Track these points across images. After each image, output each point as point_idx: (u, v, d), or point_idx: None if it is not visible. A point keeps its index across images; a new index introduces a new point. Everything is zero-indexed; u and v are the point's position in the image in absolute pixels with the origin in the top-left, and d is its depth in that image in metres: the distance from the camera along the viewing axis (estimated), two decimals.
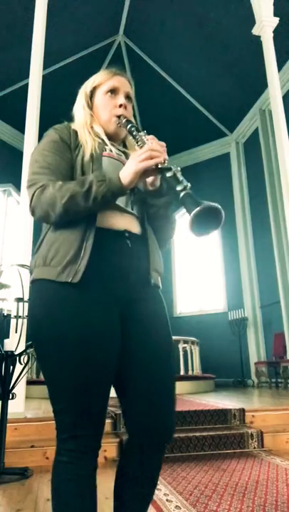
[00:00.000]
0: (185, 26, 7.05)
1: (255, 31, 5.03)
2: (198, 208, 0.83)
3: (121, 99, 1.15)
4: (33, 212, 1.00)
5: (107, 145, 1.12)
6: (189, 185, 0.91)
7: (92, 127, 1.13)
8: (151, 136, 1.02)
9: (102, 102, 1.16)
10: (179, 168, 0.95)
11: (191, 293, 9.07)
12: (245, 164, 8.76)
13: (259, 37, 4.98)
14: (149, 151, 0.95)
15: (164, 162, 0.95)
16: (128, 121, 1.11)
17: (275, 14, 4.92)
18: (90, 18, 7.08)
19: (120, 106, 1.14)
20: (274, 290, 7.04)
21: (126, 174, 0.95)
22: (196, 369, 6.24)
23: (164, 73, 8.18)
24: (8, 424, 2.53)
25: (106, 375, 0.95)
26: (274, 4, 4.97)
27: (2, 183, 8.08)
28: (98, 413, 0.95)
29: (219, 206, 0.85)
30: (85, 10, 6.82)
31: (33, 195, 0.98)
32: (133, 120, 1.16)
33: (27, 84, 4.17)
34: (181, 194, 0.89)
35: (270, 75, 4.75)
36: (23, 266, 3.09)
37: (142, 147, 1.00)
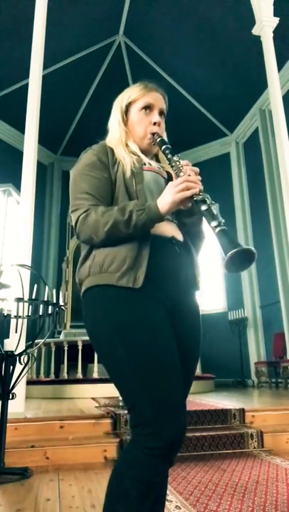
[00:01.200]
0: (185, 26, 7.04)
1: (255, 31, 5.03)
2: (233, 251, 0.88)
3: (156, 117, 1.19)
4: (78, 236, 1.07)
5: (144, 160, 1.17)
6: (223, 221, 0.95)
7: (127, 145, 1.18)
8: (185, 162, 1.07)
9: (137, 118, 1.20)
10: (213, 202, 0.99)
11: None
12: (245, 164, 8.76)
13: (259, 37, 4.98)
14: (185, 182, 1.00)
15: (199, 193, 1.00)
16: (162, 142, 1.15)
17: (275, 14, 4.92)
18: (90, 18, 7.08)
19: (154, 124, 1.18)
20: (274, 290, 7.04)
21: (164, 203, 1.00)
22: (196, 369, 6.23)
23: (164, 73, 8.17)
24: (8, 424, 2.54)
25: (176, 359, 0.97)
26: (274, 4, 4.97)
27: (2, 183, 8.08)
28: (180, 405, 0.94)
29: (253, 249, 0.90)
30: (85, 10, 6.82)
31: (78, 220, 1.05)
32: (165, 136, 1.21)
33: (27, 84, 4.16)
34: (216, 230, 0.94)
35: (270, 75, 4.75)
36: (23, 266, 3.09)
37: (176, 172, 1.06)
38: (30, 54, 4.22)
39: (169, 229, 1.10)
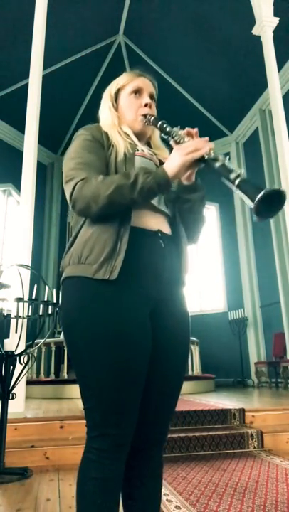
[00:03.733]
0: (185, 26, 7.05)
1: (255, 31, 5.03)
2: (261, 194, 0.81)
3: (146, 98, 1.17)
4: (73, 206, 0.99)
5: (137, 145, 1.13)
6: (242, 171, 0.89)
7: (120, 128, 1.15)
8: (187, 130, 1.02)
9: (127, 102, 1.17)
10: (227, 157, 0.93)
11: (191, 293, 9.07)
12: (245, 164, 8.76)
13: (259, 37, 4.98)
14: (194, 142, 0.95)
15: (210, 153, 0.94)
16: (157, 119, 1.12)
17: (275, 14, 4.93)
18: (90, 18, 7.08)
19: (146, 105, 1.16)
20: (274, 290, 7.04)
21: (172, 166, 0.95)
22: (196, 369, 6.24)
23: (164, 73, 8.17)
24: (8, 424, 2.53)
25: (139, 373, 0.95)
26: (274, 4, 4.97)
27: (2, 183, 8.08)
28: (130, 412, 0.94)
29: (282, 189, 0.83)
30: (85, 10, 6.82)
31: (74, 187, 0.97)
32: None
33: (27, 84, 4.16)
34: (237, 181, 0.87)
35: (270, 75, 4.75)
36: (23, 266, 3.09)
37: (179, 141, 1.01)
38: (30, 54, 4.22)
39: (154, 221, 1.05)
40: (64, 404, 4.16)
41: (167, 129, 1.06)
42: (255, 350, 7.66)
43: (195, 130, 1.03)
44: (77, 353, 0.96)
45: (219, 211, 9.00)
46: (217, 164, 0.91)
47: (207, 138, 0.99)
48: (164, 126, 1.07)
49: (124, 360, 0.92)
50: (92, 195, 0.94)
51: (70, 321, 0.98)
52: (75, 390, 5.13)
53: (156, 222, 1.05)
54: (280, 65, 5.93)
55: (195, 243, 1.20)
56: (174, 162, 0.95)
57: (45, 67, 4.79)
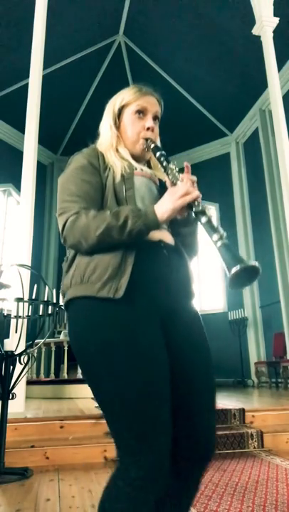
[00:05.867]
0: (185, 26, 7.04)
1: (255, 31, 5.03)
2: (238, 268, 0.85)
3: (149, 121, 1.14)
4: (64, 241, 1.00)
5: (135, 165, 1.12)
6: (225, 234, 0.91)
7: (117, 150, 1.13)
8: (181, 177, 1.02)
9: (130, 122, 1.14)
10: (212, 215, 0.96)
11: None
12: (245, 164, 8.76)
13: (259, 37, 4.99)
14: (185, 186, 0.96)
15: (199, 204, 0.96)
16: (157, 148, 1.10)
17: (275, 14, 4.93)
18: (90, 18, 7.08)
19: (148, 129, 1.13)
20: (274, 290, 7.03)
21: (163, 211, 0.95)
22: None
23: (164, 73, 8.18)
24: (8, 424, 2.53)
25: (162, 387, 0.89)
26: (274, 4, 4.98)
27: (2, 183, 8.08)
28: (163, 429, 0.86)
29: (257, 265, 0.87)
30: (85, 10, 6.82)
31: (65, 223, 0.97)
32: (159, 142, 1.16)
33: (27, 84, 4.17)
34: (218, 244, 0.90)
35: (270, 75, 4.75)
36: (23, 266, 3.09)
37: (172, 180, 1.02)
38: (30, 54, 4.22)
39: (156, 233, 1.02)
40: (64, 404, 4.16)
41: (164, 164, 1.06)
42: (255, 350, 7.66)
43: (194, 178, 1.02)
44: (95, 376, 0.92)
45: (219, 211, 9.00)
46: (203, 219, 0.94)
47: (195, 180, 1.01)
48: (162, 159, 1.07)
49: (145, 375, 0.87)
50: (82, 234, 0.95)
51: (82, 345, 0.94)
52: (75, 390, 5.13)
53: (158, 234, 1.03)
54: (280, 65, 5.93)
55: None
56: (165, 206, 0.95)
57: (45, 67, 4.79)
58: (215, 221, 0.95)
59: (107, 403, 0.90)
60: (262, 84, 5.90)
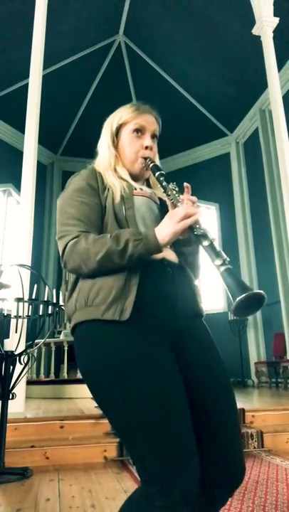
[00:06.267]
0: (185, 26, 7.05)
1: (255, 31, 5.03)
2: (242, 296, 0.82)
3: (147, 140, 1.13)
4: (64, 265, 0.99)
5: (134, 185, 1.11)
6: (228, 259, 0.89)
7: (115, 170, 1.12)
8: (181, 198, 1.00)
9: (128, 141, 1.14)
10: (214, 238, 0.93)
11: None
12: (245, 164, 8.76)
13: (259, 37, 4.99)
14: (185, 208, 0.94)
15: (200, 227, 0.94)
16: (156, 168, 1.09)
17: (275, 14, 4.93)
18: (90, 18, 7.08)
19: (146, 148, 1.12)
20: (274, 290, 7.03)
21: (164, 235, 0.93)
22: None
23: (164, 73, 8.18)
24: (8, 424, 2.53)
25: (179, 404, 0.86)
26: (274, 4, 4.98)
27: (2, 183, 8.09)
28: (190, 454, 0.82)
29: (263, 293, 0.84)
30: (85, 10, 6.82)
31: (65, 247, 0.97)
32: (158, 161, 1.15)
33: (27, 84, 4.17)
34: (221, 269, 0.88)
35: (270, 75, 4.75)
36: (23, 266, 3.09)
37: (173, 201, 1.00)
38: (30, 54, 4.22)
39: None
40: (64, 405, 4.16)
41: (163, 184, 1.05)
42: (255, 350, 7.66)
43: (194, 198, 1.01)
44: (110, 402, 0.89)
45: (219, 211, 9.00)
46: (205, 243, 0.92)
47: (195, 201, 0.99)
48: (161, 179, 1.06)
49: (161, 396, 0.84)
50: (82, 259, 0.94)
51: (92, 370, 0.91)
52: (75, 390, 5.14)
53: (161, 252, 1.01)
54: (280, 65, 5.93)
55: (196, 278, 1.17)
56: (165, 230, 0.93)
57: (45, 67, 4.79)
58: (217, 245, 0.93)
59: (125, 429, 0.87)
60: (262, 84, 5.90)
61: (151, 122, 1.15)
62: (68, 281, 1.05)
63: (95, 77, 8.35)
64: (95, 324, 0.92)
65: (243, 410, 3.24)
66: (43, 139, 5.30)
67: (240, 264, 8.28)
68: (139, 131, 1.13)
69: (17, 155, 6.14)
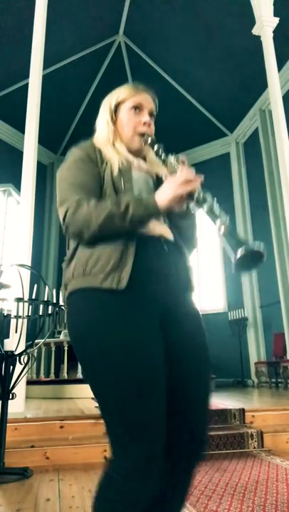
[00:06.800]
0: (185, 26, 7.04)
1: (255, 31, 5.03)
2: (243, 253, 0.85)
3: (145, 116, 1.16)
4: (66, 230, 1.00)
5: (132, 160, 1.13)
6: (228, 219, 0.91)
7: (114, 145, 1.14)
8: (183, 159, 1.02)
9: (126, 118, 1.16)
10: (215, 199, 0.95)
11: None
12: (245, 164, 8.76)
13: (259, 37, 4.99)
14: (184, 174, 0.96)
15: (200, 192, 0.96)
16: (154, 142, 1.12)
17: (275, 14, 4.93)
18: (90, 18, 7.08)
19: (144, 124, 1.15)
20: (274, 290, 7.04)
21: (163, 198, 0.96)
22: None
23: (164, 73, 8.17)
24: (8, 424, 2.54)
25: (157, 381, 0.91)
26: (274, 4, 4.98)
27: (2, 183, 8.08)
28: (155, 424, 0.88)
29: (262, 249, 0.86)
30: (85, 10, 6.82)
31: (66, 212, 0.98)
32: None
33: (27, 84, 4.17)
34: (221, 229, 0.90)
35: (270, 75, 4.75)
36: (23, 266, 3.09)
37: (172, 172, 1.03)
38: (30, 54, 4.22)
39: (158, 228, 1.04)
40: (64, 404, 4.16)
41: (162, 157, 1.08)
42: (255, 350, 7.66)
43: (184, 159, 1.03)
44: (91, 366, 0.93)
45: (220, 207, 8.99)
46: (205, 206, 0.94)
47: (193, 170, 1.01)
48: (160, 151, 1.09)
49: (140, 368, 0.89)
50: (84, 221, 0.95)
51: (80, 335, 0.96)
52: (75, 390, 5.13)
53: (158, 228, 1.05)
54: (280, 65, 5.93)
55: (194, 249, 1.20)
56: (165, 194, 0.96)
57: (45, 67, 4.79)
58: (217, 207, 0.94)
59: (101, 391, 0.92)
60: (262, 84, 5.90)
61: (148, 101, 1.18)
62: (67, 251, 1.07)
63: (95, 77, 8.35)
64: (91, 292, 0.95)
65: (243, 410, 3.25)
66: (43, 139, 5.30)
67: None
68: (137, 108, 1.16)
69: (17, 155, 6.15)
